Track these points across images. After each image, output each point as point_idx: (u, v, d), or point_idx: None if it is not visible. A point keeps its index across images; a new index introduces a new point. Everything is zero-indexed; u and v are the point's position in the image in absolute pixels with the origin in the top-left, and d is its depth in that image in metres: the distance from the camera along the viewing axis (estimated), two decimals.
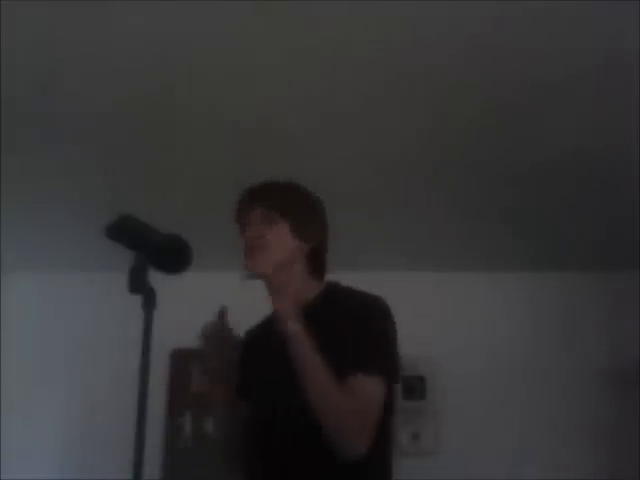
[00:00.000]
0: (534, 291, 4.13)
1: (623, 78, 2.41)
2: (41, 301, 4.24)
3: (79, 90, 2.52)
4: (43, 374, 4.04)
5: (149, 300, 1.22)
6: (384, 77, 2.44)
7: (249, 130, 2.79)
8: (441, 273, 4.05)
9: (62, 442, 3.95)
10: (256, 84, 2.48)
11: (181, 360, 4.04)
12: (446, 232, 3.73)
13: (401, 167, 3.08)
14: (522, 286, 4.12)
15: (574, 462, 3.77)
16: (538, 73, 2.40)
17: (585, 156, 2.95)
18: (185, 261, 1.31)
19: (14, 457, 3.87)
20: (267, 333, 1.69)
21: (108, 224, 1.28)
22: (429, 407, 3.95)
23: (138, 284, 1.22)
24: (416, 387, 3.90)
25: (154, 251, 1.26)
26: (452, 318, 4.02)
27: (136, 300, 1.22)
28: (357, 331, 1.53)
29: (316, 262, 1.68)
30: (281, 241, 1.62)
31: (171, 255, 1.29)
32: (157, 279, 1.28)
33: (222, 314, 1.70)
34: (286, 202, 1.65)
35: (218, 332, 1.68)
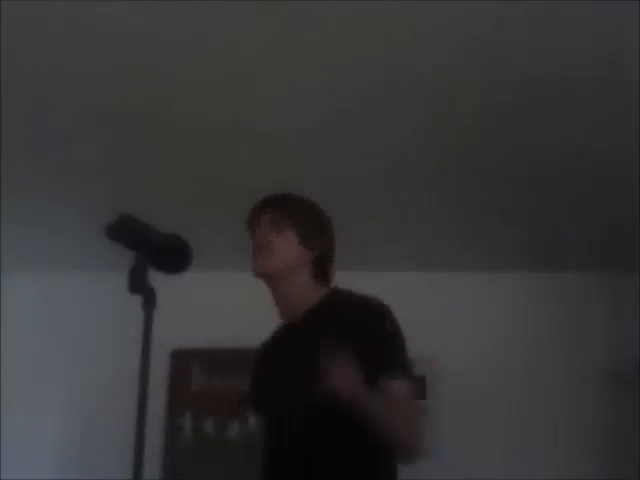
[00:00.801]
0: (534, 291, 4.13)
1: (623, 78, 2.41)
2: (41, 301, 4.23)
3: (79, 90, 2.52)
4: (43, 374, 4.04)
5: (149, 300, 1.22)
6: (384, 77, 2.44)
7: (249, 130, 2.79)
8: (441, 273, 4.04)
9: (62, 442, 3.95)
10: (256, 84, 2.48)
11: (181, 360, 4.04)
12: (446, 232, 3.73)
13: (401, 167, 3.09)
14: (522, 286, 4.12)
15: (574, 462, 3.77)
16: (538, 73, 2.40)
17: (585, 156, 2.95)
18: (185, 261, 1.31)
19: (14, 457, 3.87)
20: (275, 343, 1.77)
21: (108, 224, 1.29)
22: (429, 407, 3.95)
23: (138, 284, 1.22)
24: (416, 387, 3.89)
25: (154, 251, 1.27)
26: (452, 318, 4.02)
27: (136, 300, 1.22)
28: (374, 335, 1.58)
29: (321, 271, 1.75)
30: (287, 246, 1.69)
31: (171, 255, 1.30)
32: (157, 279, 1.28)
33: None
34: (295, 210, 1.74)
35: None
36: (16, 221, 3.61)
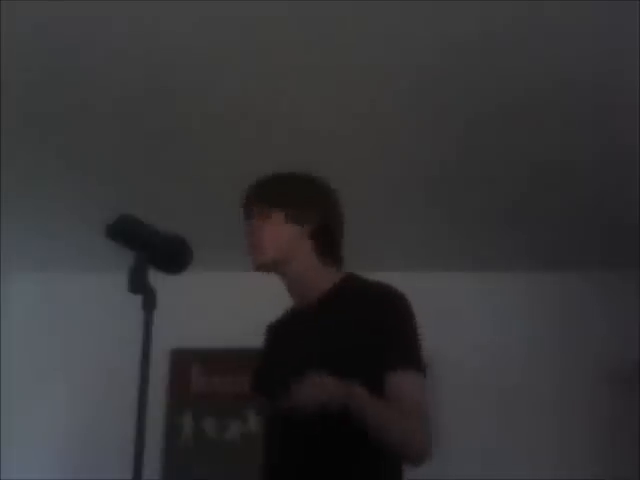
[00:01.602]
0: (534, 291, 4.13)
1: (623, 78, 2.41)
2: (41, 301, 4.24)
3: (79, 91, 2.52)
4: (43, 374, 4.04)
5: (149, 300, 1.22)
6: (384, 79, 2.44)
7: (250, 131, 2.79)
8: (441, 273, 4.05)
9: (62, 442, 3.95)
10: (258, 85, 2.48)
11: (181, 360, 4.04)
12: (446, 232, 3.73)
13: (401, 167, 3.09)
14: (522, 286, 4.12)
15: (574, 462, 3.77)
16: (538, 74, 2.40)
17: (585, 156, 2.95)
18: (185, 261, 1.31)
19: (14, 457, 3.87)
20: (287, 328, 1.73)
21: (108, 224, 1.28)
22: (429, 407, 3.94)
23: (138, 284, 1.22)
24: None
25: (154, 251, 1.26)
26: (452, 318, 4.02)
27: (136, 300, 1.22)
28: (394, 328, 1.53)
29: (324, 245, 1.68)
30: (275, 229, 1.64)
31: (171, 255, 1.29)
32: (157, 279, 1.28)
33: None
34: (278, 193, 1.68)
35: None
36: (16, 221, 3.61)
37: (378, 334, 1.51)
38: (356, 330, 1.52)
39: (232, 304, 3.89)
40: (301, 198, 1.69)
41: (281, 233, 1.65)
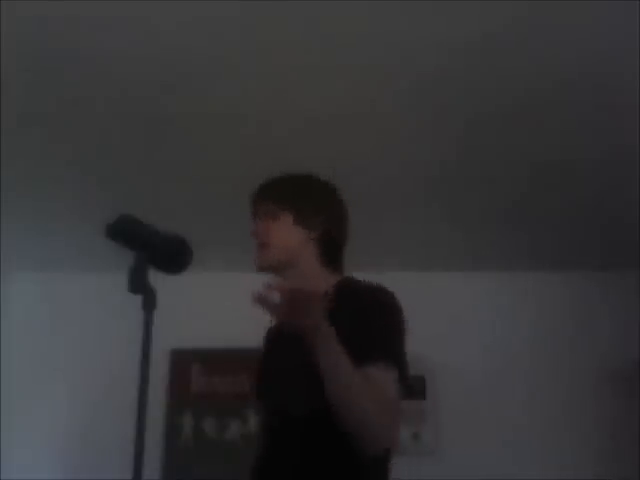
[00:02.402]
0: (534, 291, 4.13)
1: (623, 78, 2.41)
2: (41, 301, 4.24)
3: (79, 91, 2.52)
4: (43, 374, 4.04)
5: (149, 300, 1.22)
6: (385, 79, 2.44)
7: (250, 130, 2.79)
8: (441, 273, 4.05)
9: (62, 442, 3.95)
10: (258, 85, 2.48)
11: (181, 360, 4.04)
12: (446, 232, 3.73)
13: (401, 167, 3.09)
14: (522, 286, 4.12)
15: (575, 461, 3.77)
16: (538, 75, 2.40)
17: (585, 157, 2.95)
18: (185, 261, 1.31)
19: (14, 457, 3.87)
20: (280, 333, 1.71)
21: (108, 224, 1.28)
22: (429, 407, 3.95)
23: (138, 284, 1.22)
24: (416, 387, 3.90)
25: (154, 251, 1.26)
26: (452, 318, 4.02)
27: (136, 300, 1.22)
28: (373, 321, 1.51)
29: (328, 252, 1.68)
30: (282, 232, 1.64)
31: (171, 255, 1.29)
32: (157, 279, 1.28)
33: None
34: (288, 194, 1.67)
35: None
36: (16, 221, 3.61)
37: (361, 328, 1.48)
38: (345, 329, 1.48)
39: (232, 304, 3.87)
40: (310, 202, 1.68)
41: (288, 234, 1.64)
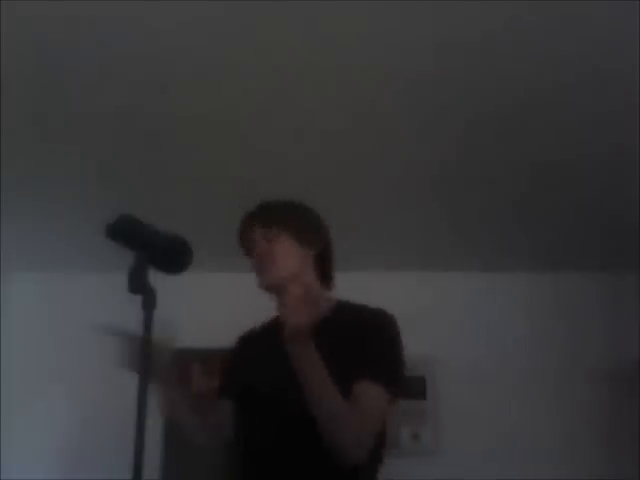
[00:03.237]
0: (534, 291, 4.13)
1: (623, 79, 2.41)
2: (41, 301, 4.24)
3: (80, 91, 2.51)
4: (43, 374, 4.04)
5: (149, 300, 1.22)
6: (384, 79, 2.44)
7: (250, 131, 2.79)
8: (441, 273, 4.05)
9: (62, 442, 3.95)
10: (257, 86, 2.48)
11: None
12: (446, 232, 3.73)
13: (402, 167, 3.09)
14: (522, 286, 4.12)
15: (574, 462, 3.77)
16: (538, 75, 2.40)
17: (585, 157, 2.95)
18: (185, 261, 1.31)
19: (14, 457, 3.87)
20: (265, 337, 1.75)
21: (108, 224, 1.28)
22: (429, 407, 3.95)
23: (138, 284, 1.22)
24: (416, 387, 3.90)
25: (154, 251, 1.26)
26: (452, 318, 4.02)
27: (136, 300, 1.22)
28: (367, 342, 1.55)
29: (323, 270, 1.75)
30: (286, 251, 1.69)
31: (171, 255, 1.29)
32: (157, 279, 1.28)
33: None
34: (283, 216, 1.73)
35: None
36: (16, 221, 3.61)
37: (359, 348, 1.53)
38: (347, 349, 1.53)
39: (232, 304, 3.89)
40: (307, 222, 1.75)
41: (292, 253, 1.69)
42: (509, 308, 4.11)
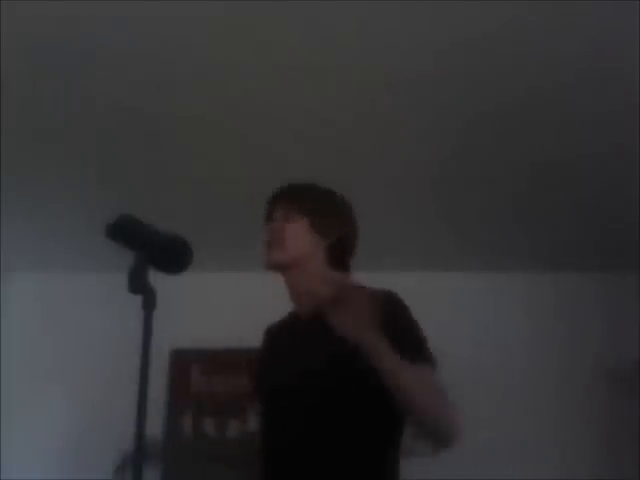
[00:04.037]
0: (534, 291, 4.13)
1: (623, 78, 2.41)
2: (41, 301, 4.24)
3: (79, 90, 2.52)
4: (42, 374, 4.04)
5: (149, 300, 1.22)
6: (384, 79, 2.44)
7: (250, 131, 2.79)
8: (440, 273, 4.04)
9: (62, 442, 3.95)
10: (258, 85, 2.48)
11: (181, 360, 4.04)
12: (446, 232, 3.73)
13: (402, 167, 3.09)
14: (522, 286, 4.12)
15: (574, 462, 3.77)
16: (538, 73, 2.40)
17: (585, 157, 2.95)
18: (185, 261, 1.31)
19: (14, 457, 3.87)
20: (287, 330, 1.74)
21: (108, 224, 1.28)
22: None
23: (138, 284, 1.22)
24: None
25: (154, 251, 1.26)
26: (452, 318, 4.02)
27: (136, 300, 1.22)
28: (398, 327, 1.54)
29: (336, 260, 1.72)
30: (298, 234, 1.68)
31: (171, 255, 1.29)
32: (157, 279, 1.28)
33: None
34: (307, 199, 1.73)
35: None
36: (16, 221, 3.61)
37: (391, 336, 1.51)
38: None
39: (232, 304, 3.89)
40: (327, 211, 1.74)
41: (303, 237, 1.68)
42: (509, 308, 4.10)
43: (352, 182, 3.17)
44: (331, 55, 2.31)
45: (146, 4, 2.07)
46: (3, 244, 3.84)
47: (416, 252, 3.92)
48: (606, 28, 2.15)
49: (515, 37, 2.21)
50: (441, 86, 2.49)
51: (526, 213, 3.49)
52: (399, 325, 1.55)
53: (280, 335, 1.78)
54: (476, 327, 4.05)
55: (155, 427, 3.81)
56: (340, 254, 1.73)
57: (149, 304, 1.21)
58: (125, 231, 1.29)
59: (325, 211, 1.73)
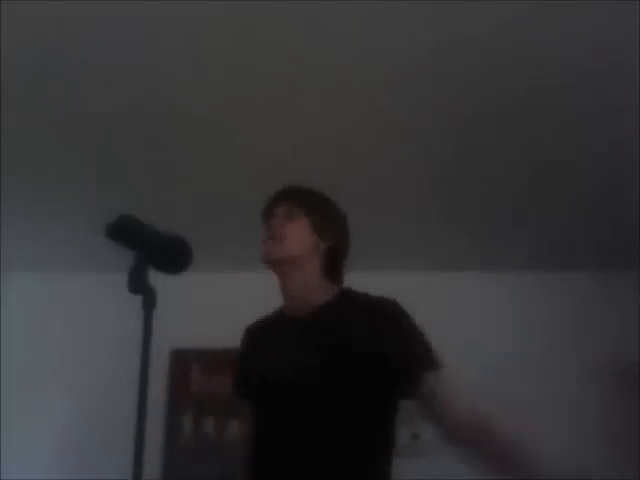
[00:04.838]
0: (534, 291, 4.13)
1: (623, 78, 2.41)
2: (41, 301, 4.24)
3: (79, 91, 2.51)
4: (43, 374, 4.04)
5: (149, 300, 1.22)
6: (385, 80, 2.45)
7: (249, 131, 2.79)
8: (440, 273, 4.05)
9: (62, 442, 3.95)
10: (258, 85, 2.48)
11: (181, 360, 4.04)
12: (446, 232, 3.73)
13: (402, 167, 3.09)
14: (522, 286, 4.12)
15: (574, 462, 3.77)
16: (538, 75, 2.40)
17: (586, 157, 2.95)
18: (185, 261, 1.31)
19: (14, 457, 3.87)
20: (275, 329, 1.74)
21: (108, 224, 1.28)
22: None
23: (138, 284, 1.22)
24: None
25: (154, 251, 1.26)
26: (451, 318, 4.02)
27: (136, 300, 1.22)
28: (401, 334, 1.58)
29: (332, 264, 1.74)
30: (299, 233, 1.69)
31: (171, 255, 1.29)
32: (157, 279, 1.28)
33: None
34: (309, 201, 1.74)
35: None
36: (16, 221, 3.61)
37: (397, 344, 1.57)
38: (364, 342, 1.55)
39: (232, 304, 3.88)
40: (326, 213, 1.75)
41: (304, 237, 1.69)
42: (509, 308, 4.11)
43: (352, 182, 3.18)
44: (331, 55, 2.31)
45: (146, 4, 2.07)
46: (3, 244, 3.84)
47: (416, 252, 3.92)
48: (606, 28, 2.15)
49: (515, 37, 2.21)
50: (441, 86, 2.49)
51: (526, 213, 3.49)
52: (404, 335, 1.58)
53: (266, 333, 1.78)
54: (477, 327, 4.05)
55: (155, 427, 3.82)
56: (334, 259, 1.74)
57: (149, 304, 1.21)
58: (125, 231, 1.29)
59: (325, 213, 1.74)
